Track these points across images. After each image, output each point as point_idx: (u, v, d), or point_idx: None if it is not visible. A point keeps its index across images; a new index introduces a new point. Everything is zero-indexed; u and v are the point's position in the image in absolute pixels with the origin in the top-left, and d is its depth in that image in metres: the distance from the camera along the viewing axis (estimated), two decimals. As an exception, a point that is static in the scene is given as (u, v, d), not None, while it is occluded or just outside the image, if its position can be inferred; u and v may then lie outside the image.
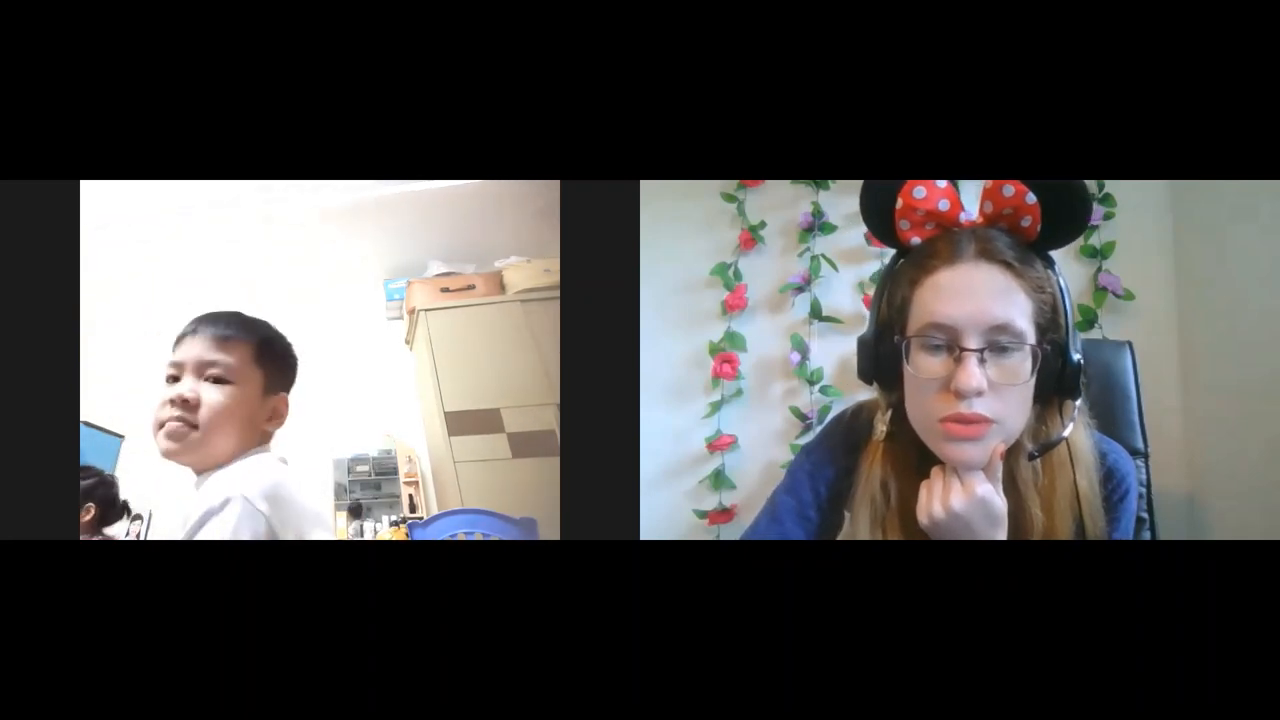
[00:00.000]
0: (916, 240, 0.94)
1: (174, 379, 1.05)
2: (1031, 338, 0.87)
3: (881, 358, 0.94)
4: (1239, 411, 1.68)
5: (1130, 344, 1.51)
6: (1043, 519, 0.93)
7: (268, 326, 1.12)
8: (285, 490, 0.99)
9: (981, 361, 0.85)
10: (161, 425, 1.02)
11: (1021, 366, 0.86)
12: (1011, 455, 0.91)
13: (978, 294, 0.87)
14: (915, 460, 0.95)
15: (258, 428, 1.08)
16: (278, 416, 1.10)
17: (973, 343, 0.86)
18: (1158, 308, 1.89)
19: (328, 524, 1.06)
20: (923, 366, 0.88)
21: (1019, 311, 0.87)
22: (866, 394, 1.04)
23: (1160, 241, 1.92)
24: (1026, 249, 0.90)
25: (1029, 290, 0.88)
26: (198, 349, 1.05)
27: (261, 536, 0.93)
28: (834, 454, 1.05)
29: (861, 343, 0.96)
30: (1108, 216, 1.94)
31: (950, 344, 0.87)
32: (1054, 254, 0.94)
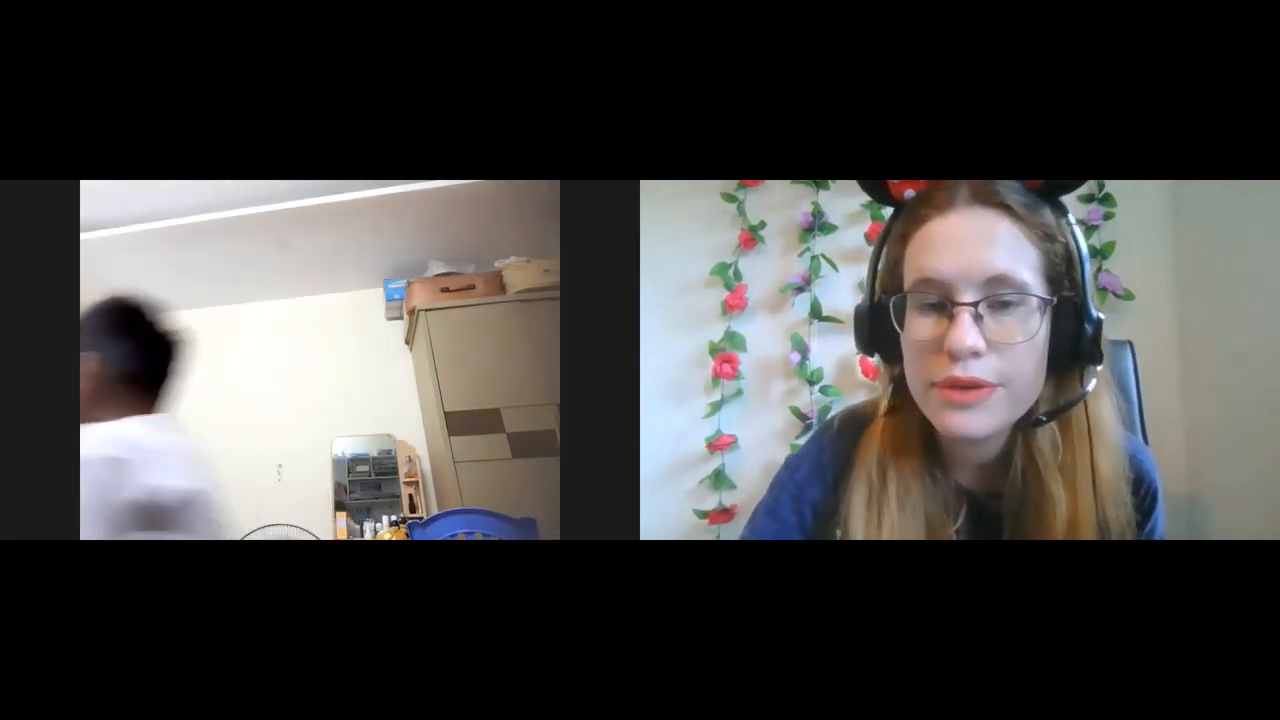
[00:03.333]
0: (910, 193, 0.85)
1: None
2: (1038, 290, 0.78)
3: (878, 325, 0.85)
4: (1239, 411, 1.68)
5: (1130, 344, 1.51)
6: (1067, 499, 0.83)
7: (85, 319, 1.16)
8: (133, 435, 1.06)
9: (978, 318, 0.76)
10: None
11: (1026, 323, 0.77)
12: (1028, 429, 0.83)
13: (971, 243, 0.77)
14: (917, 437, 0.88)
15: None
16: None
17: (966, 296, 0.76)
18: (1158, 308, 1.89)
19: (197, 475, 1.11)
20: (915, 328, 0.80)
21: (1022, 261, 0.77)
22: (865, 395, 1.03)
23: (1160, 241, 1.92)
24: (1033, 194, 0.80)
25: (1035, 238, 0.78)
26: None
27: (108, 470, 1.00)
28: (821, 471, 0.96)
29: (858, 312, 0.89)
30: (1108, 216, 1.95)
31: (943, 301, 0.78)
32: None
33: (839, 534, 0.95)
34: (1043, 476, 0.84)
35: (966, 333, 0.76)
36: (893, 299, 0.83)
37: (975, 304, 0.77)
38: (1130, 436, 0.90)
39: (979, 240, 0.78)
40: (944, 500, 0.90)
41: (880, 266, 0.88)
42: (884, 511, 0.88)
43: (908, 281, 0.82)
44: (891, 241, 0.86)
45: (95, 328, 1.15)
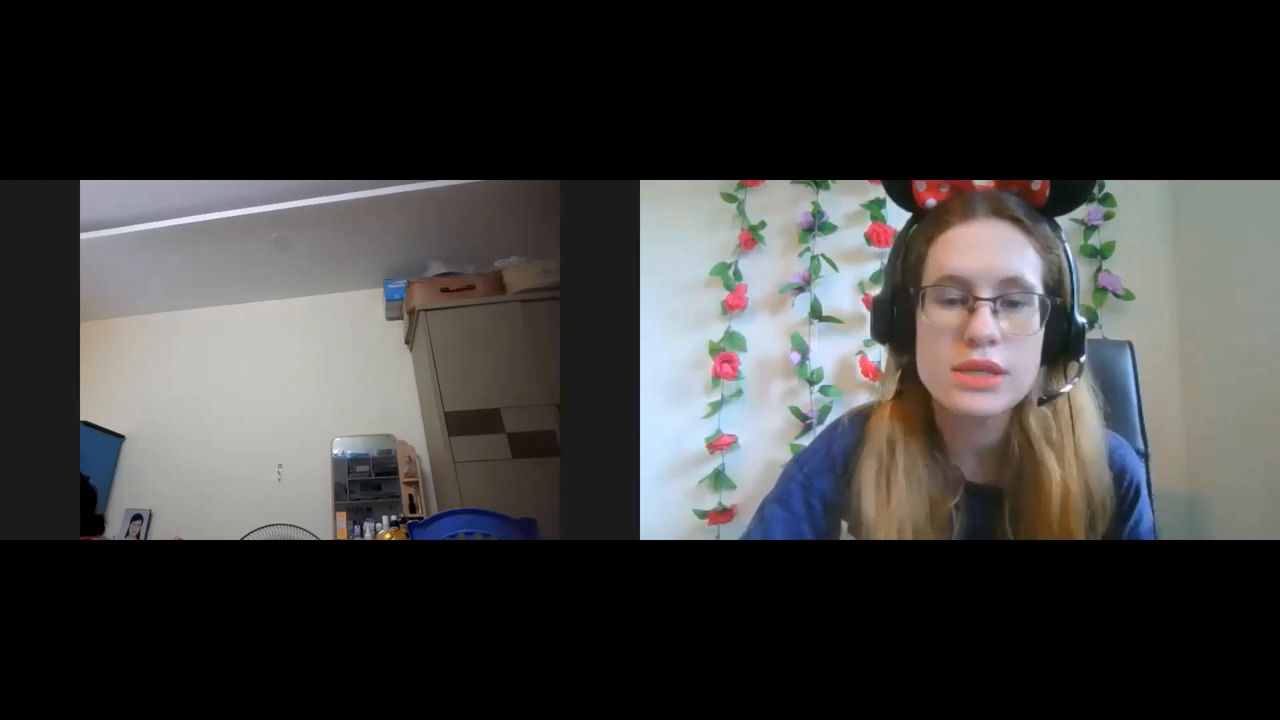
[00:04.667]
0: (932, 202, 0.98)
1: None
2: (1040, 291, 0.91)
3: (896, 316, 0.96)
4: (1239, 411, 1.68)
5: (1130, 344, 1.51)
6: (1059, 472, 0.95)
7: None
8: None
9: (994, 312, 0.89)
10: None
11: (1031, 319, 0.90)
12: (1023, 410, 0.96)
13: (990, 248, 0.91)
14: (923, 418, 0.99)
15: None
16: None
17: (986, 293, 0.89)
18: (1158, 308, 1.89)
19: None
20: (937, 318, 0.92)
21: (1029, 266, 0.90)
22: (866, 395, 1.04)
23: (1160, 241, 1.92)
24: (1036, 211, 0.94)
25: (1038, 248, 0.92)
26: None
27: None
28: (830, 463, 1.06)
29: (877, 302, 1.00)
30: (1108, 217, 1.95)
31: (964, 296, 0.90)
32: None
33: (845, 525, 1.03)
34: (1037, 452, 0.96)
35: (987, 322, 0.88)
36: (918, 289, 0.94)
37: (993, 300, 0.89)
38: (1110, 432, 1.02)
39: (997, 246, 0.91)
40: (944, 478, 1.00)
41: (901, 263, 0.98)
42: (893, 483, 0.99)
43: (930, 277, 0.93)
44: (917, 242, 0.97)
45: None
